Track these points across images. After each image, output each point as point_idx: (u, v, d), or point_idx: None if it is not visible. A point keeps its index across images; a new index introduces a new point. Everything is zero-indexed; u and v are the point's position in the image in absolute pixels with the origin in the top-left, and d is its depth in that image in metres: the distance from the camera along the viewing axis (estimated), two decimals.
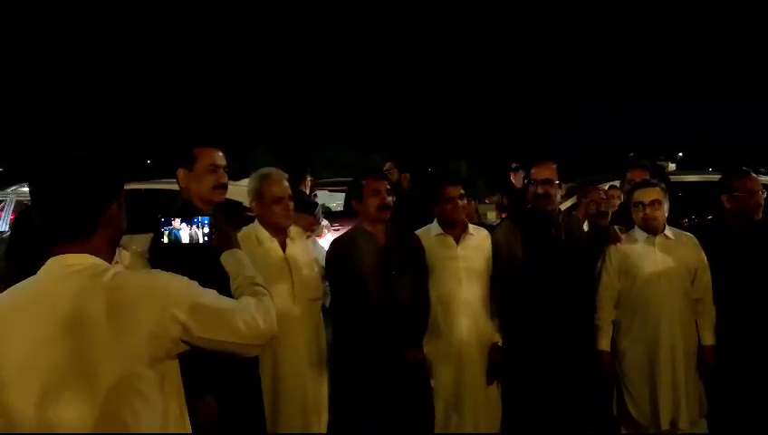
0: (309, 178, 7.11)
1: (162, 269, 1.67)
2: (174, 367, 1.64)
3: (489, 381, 3.72)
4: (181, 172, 2.95)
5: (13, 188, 11.15)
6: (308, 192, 6.88)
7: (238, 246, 2.04)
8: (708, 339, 3.74)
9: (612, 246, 3.86)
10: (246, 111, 31.35)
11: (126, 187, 1.74)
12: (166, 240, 1.91)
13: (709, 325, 3.75)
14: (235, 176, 3.90)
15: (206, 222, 1.90)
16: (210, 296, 1.66)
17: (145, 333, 1.53)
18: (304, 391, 3.30)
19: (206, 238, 1.90)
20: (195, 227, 1.89)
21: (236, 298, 1.80)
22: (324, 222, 7.85)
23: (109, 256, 1.65)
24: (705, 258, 3.78)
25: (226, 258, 2.00)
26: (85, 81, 25.89)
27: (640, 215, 3.78)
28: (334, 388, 3.46)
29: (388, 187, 3.55)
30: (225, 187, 2.97)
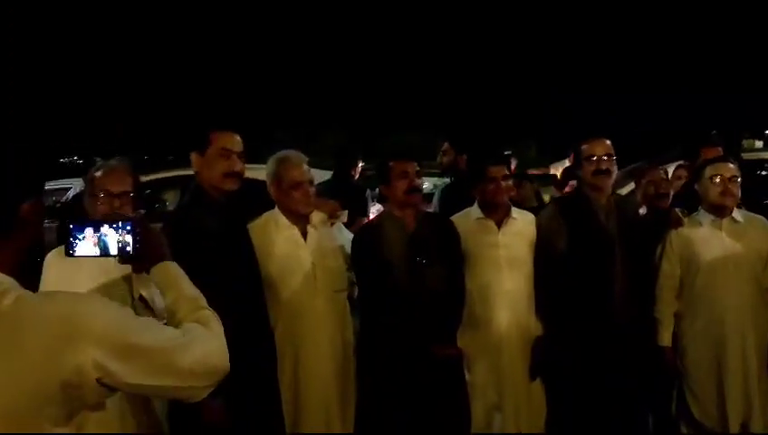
0: (360, 164, 6.98)
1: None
2: (96, 418, 1.32)
3: (532, 378, 3.47)
4: (194, 156, 2.80)
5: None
6: (356, 177, 6.71)
7: (170, 257, 1.61)
8: None
9: (673, 231, 3.52)
10: (314, 95, 31.54)
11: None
12: (75, 253, 1.54)
13: None
14: None
15: (128, 227, 1.54)
16: (146, 329, 1.32)
17: (49, 382, 1.19)
18: (327, 389, 3.13)
19: (136, 247, 1.54)
20: (122, 232, 1.54)
21: (175, 325, 1.43)
22: (376, 206, 7.70)
23: (16, 269, 1.32)
24: None
25: (158, 272, 1.58)
26: (85, 81, 26.34)
27: (719, 190, 3.40)
28: (362, 384, 3.28)
29: (418, 168, 3.33)
30: (237, 175, 2.77)
